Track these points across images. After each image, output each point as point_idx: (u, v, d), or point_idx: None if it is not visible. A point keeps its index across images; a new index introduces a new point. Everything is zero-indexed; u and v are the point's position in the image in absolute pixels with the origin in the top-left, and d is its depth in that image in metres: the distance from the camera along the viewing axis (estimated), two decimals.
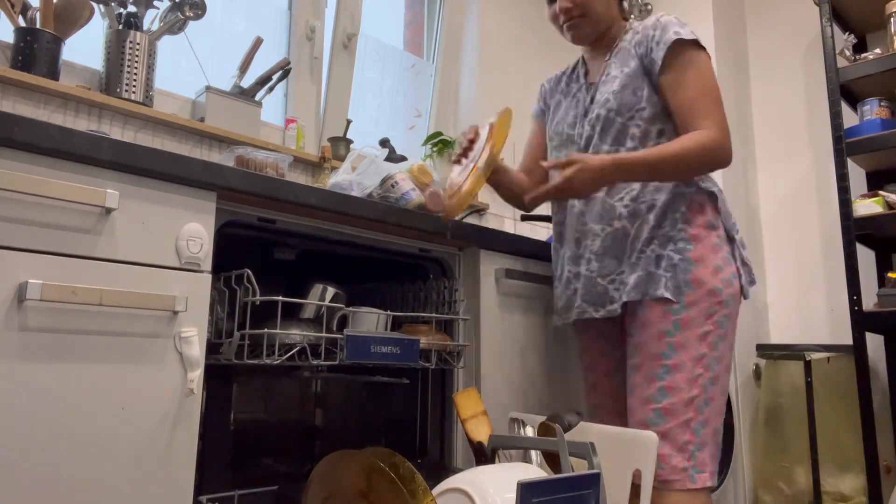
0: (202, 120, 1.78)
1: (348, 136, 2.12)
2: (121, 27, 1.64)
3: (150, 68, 1.67)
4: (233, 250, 1.24)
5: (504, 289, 1.54)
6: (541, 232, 2.49)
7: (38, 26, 1.50)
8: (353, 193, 1.50)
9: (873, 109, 2.33)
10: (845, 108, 2.35)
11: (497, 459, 1.20)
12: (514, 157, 2.26)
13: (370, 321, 1.35)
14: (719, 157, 1.24)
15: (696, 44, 1.28)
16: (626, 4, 1.44)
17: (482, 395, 1.37)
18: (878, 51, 2.34)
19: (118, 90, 1.62)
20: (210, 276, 1.08)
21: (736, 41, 2.92)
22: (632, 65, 1.33)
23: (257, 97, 1.90)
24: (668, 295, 1.24)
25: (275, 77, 1.92)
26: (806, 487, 2.27)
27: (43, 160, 0.92)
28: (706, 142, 1.22)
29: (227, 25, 2.06)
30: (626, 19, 1.43)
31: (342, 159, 1.97)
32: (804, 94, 2.82)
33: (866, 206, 2.22)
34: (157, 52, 1.69)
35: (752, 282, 1.34)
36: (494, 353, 1.49)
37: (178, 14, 1.72)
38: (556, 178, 1.24)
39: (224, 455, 1.50)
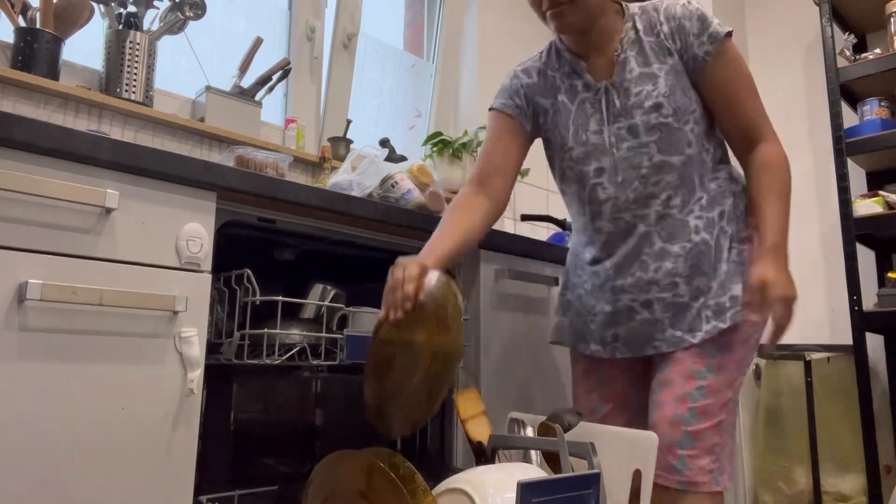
0: (202, 120, 1.78)
1: (348, 136, 2.12)
2: (121, 27, 1.64)
3: (150, 68, 1.67)
4: (233, 250, 1.24)
5: (504, 289, 1.54)
6: (541, 232, 2.49)
7: (38, 26, 1.50)
8: (353, 193, 1.50)
9: (873, 109, 2.33)
10: (845, 108, 2.34)
11: (497, 459, 1.20)
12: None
13: (370, 321, 1.34)
14: (788, 160, 1.22)
15: (729, 35, 1.21)
16: None
17: (482, 395, 1.37)
18: (878, 51, 2.34)
19: (118, 90, 1.62)
20: (210, 276, 1.08)
21: (736, 41, 2.92)
22: (670, 61, 1.19)
23: (257, 97, 1.90)
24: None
25: (275, 77, 1.92)
26: (806, 487, 2.27)
27: (43, 160, 0.92)
28: (786, 162, 1.20)
29: (227, 25, 2.06)
30: (618, 2, 1.26)
31: (342, 159, 1.97)
32: (804, 94, 2.82)
33: (866, 206, 2.22)
34: (157, 52, 1.69)
35: None
36: (494, 353, 1.49)
37: (178, 14, 1.72)
38: (768, 314, 1.11)
39: (224, 455, 1.50)
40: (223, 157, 1.41)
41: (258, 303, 1.14)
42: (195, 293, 1.05)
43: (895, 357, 2.38)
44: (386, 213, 1.33)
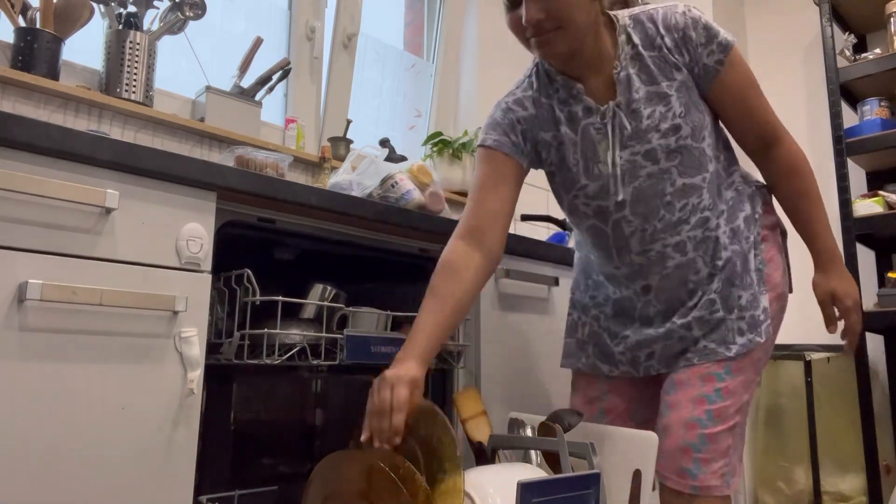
0: (202, 120, 1.78)
1: (348, 136, 2.12)
2: (121, 27, 1.64)
3: (150, 68, 1.67)
4: (233, 250, 1.24)
5: (504, 289, 1.54)
6: (541, 232, 2.49)
7: (38, 26, 1.50)
8: (353, 193, 1.49)
9: (873, 109, 2.34)
10: (845, 108, 2.35)
11: (497, 459, 1.20)
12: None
13: (370, 321, 1.35)
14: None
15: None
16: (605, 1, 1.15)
17: (482, 395, 1.37)
18: (878, 51, 2.34)
19: (118, 90, 1.62)
20: (210, 276, 1.08)
21: (736, 41, 2.92)
22: (679, 77, 1.12)
23: (257, 97, 1.90)
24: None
25: (275, 77, 1.92)
26: (806, 487, 2.27)
27: (43, 160, 0.92)
28: (805, 157, 1.20)
29: (227, 25, 2.06)
30: (606, 13, 1.15)
31: (342, 159, 1.97)
32: (804, 94, 2.82)
33: (866, 206, 2.22)
34: (157, 52, 1.69)
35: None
36: (494, 353, 1.49)
37: (178, 14, 1.72)
38: (847, 324, 1.21)
39: (224, 455, 1.50)
40: (223, 157, 1.41)
41: (258, 303, 1.14)
42: (195, 293, 1.05)
43: (895, 357, 2.38)
44: (386, 213, 1.33)
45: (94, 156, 0.95)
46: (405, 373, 1.01)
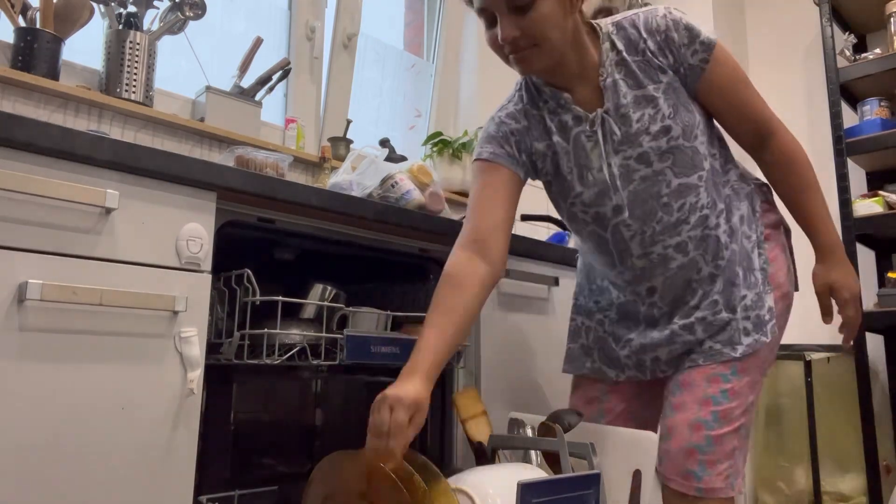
0: (202, 120, 1.78)
1: (348, 136, 2.12)
2: (121, 27, 1.64)
3: (150, 68, 1.67)
4: (233, 250, 1.24)
5: (504, 289, 1.54)
6: (541, 232, 2.49)
7: (38, 26, 1.50)
8: (353, 193, 1.49)
9: (873, 109, 2.34)
10: (845, 108, 2.35)
11: (497, 459, 1.20)
12: None
13: (370, 321, 1.35)
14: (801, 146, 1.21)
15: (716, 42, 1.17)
16: (584, 7, 1.14)
17: (482, 395, 1.37)
18: (878, 51, 2.34)
19: (118, 90, 1.62)
20: (210, 276, 1.08)
21: (736, 41, 2.92)
22: (665, 79, 1.13)
23: (257, 97, 1.90)
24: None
25: (275, 77, 1.92)
26: (806, 487, 2.27)
27: (43, 160, 0.92)
28: (804, 153, 1.20)
29: (227, 25, 2.06)
30: (589, 23, 1.16)
31: (342, 159, 1.97)
32: (804, 95, 2.82)
33: (866, 206, 2.22)
34: (157, 52, 1.69)
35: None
36: (494, 353, 1.49)
37: (178, 14, 1.72)
38: (843, 323, 1.21)
39: (224, 455, 1.50)
40: (223, 157, 1.41)
41: (258, 303, 1.14)
42: (195, 293, 1.05)
43: (895, 357, 2.38)
44: (386, 213, 1.33)
45: (94, 156, 0.95)
46: (405, 395, 0.97)
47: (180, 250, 1.04)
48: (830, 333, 2.60)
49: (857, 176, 2.50)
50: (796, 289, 1.25)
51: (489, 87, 2.58)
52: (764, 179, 1.27)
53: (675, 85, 1.13)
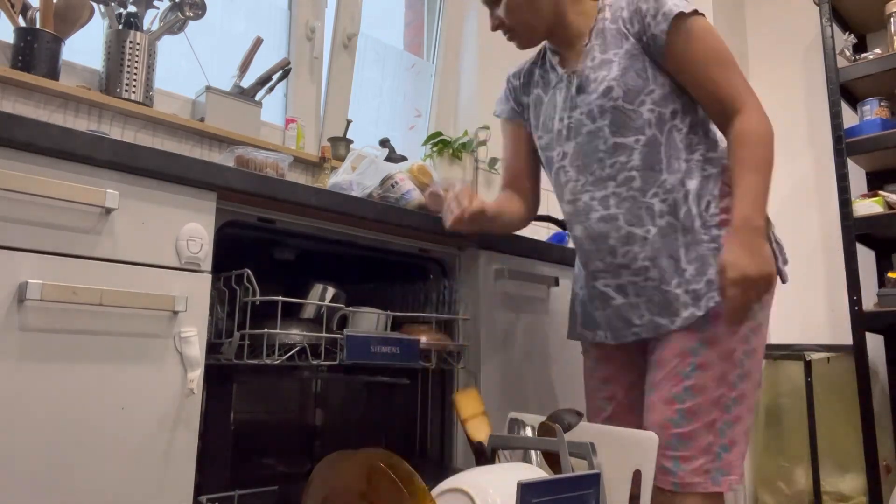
0: (202, 120, 1.78)
1: (348, 136, 2.12)
2: (121, 27, 1.64)
3: (150, 68, 1.67)
4: (233, 250, 1.24)
5: (504, 289, 1.54)
6: (541, 232, 2.49)
7: (38, 26, 1.50)
8: (353, 193, 1.49)
9: (873, 109, 2.33)
10: (845, 108, 2.35)
11: (497, 459, 1.20)
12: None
13: (370, 321, 1.35)
14: (770, 129, 1.16)
15: (694, 14, 1.18)
16: None
17: (482, 395, 1.37)
18: (878, 51, 2.34)
19: (118, 90, 1.62)
20: (210, 276, 1.08)
21: (736, 41, 2.92)
22: (626, 45, 1.21)
23: (257, 97, 1.90)
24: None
25: (275, 77, 1.92)
26: (806, 487, 2.27)
27: (43, 160, 0.92)
28: (768, 128, 1.15)
29: (227, 25, 2.06)
30: None
31: (342, 159, 1.97)
32: (804, 94, 2.82)
33: (866, 206, 2.22)
34: (157, 52, 1.69)
35: (785, 261, 1.25)
36: (494, 353, 1.49)
37: (178, 14, 1.72)
38: (727, 298, 1.11)
39: (224, 455, 1.50)
40: (223, 157, 1.41)
41: (258, 303, 1.14)
42: (195, 293, 1.05)
43: (895, 357, 2.38)
44: (386, 213, 1.33)
45: (94, 156, 0.96)
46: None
47: (180, 250, 1.04)
48: (830, 333, 2.61)
49: (857, 176, 2.50)
50: (783, 279, 1.23)
51: (489, 87, 2.58)
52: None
53: (634, 52, 1.21)
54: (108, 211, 0.97)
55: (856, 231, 2.20)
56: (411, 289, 1.60)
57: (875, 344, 2.37)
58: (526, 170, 1.43)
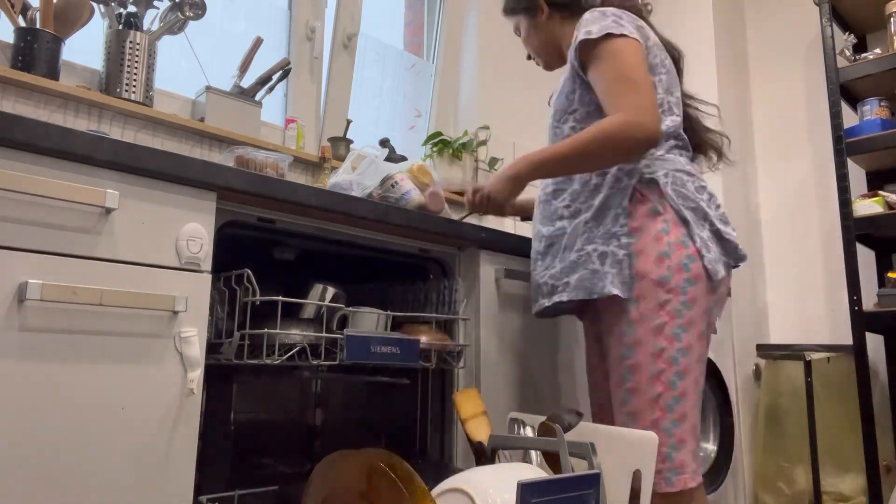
0: (202, 120, 1.78)
1: (348, 136, 2.12)
2: (121, 27, 1.64)
3: (150, 68, 1.67)
4: (233, 250, 1.24)
5: (504, 289, 1.54)
6: None
7: (38, 26, 1.50)
8: (353, 193, 1.50)
9: (873, 109, 2.34)
10: (845, 108, 2.35)
11: (497, 459, 1.20)
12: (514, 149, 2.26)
13: (370, 321, 1.35)
14: (628, 135, 1.16)
15: (606, 37, 1.21)
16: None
17: (482, 395, 1.37)
18: (878, 51, 2.34)
19: (118, 90, 1.62)
20: (210, 276, 1.08)
21: (736, 41, 2.92)
22: (568, 71, 1.33)
23: (257, 97, 1.90)
24: (616, 291, 1.19)
25: (275, 77, 1.92)
26: (806, 487, 2.27)
27: (43, 160, 0.92)
28: (607, 126, 1.18)
29: (227, 25, 2.06)
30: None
31: (342, 159, 1.97)
32: (804, 95, 2.82)
33: (866, 206, 2.23)
34: (157, 52, 1.69)
35: (730, 259, 1.26)
36: (494, 353, 1.49)
37: (178, 14, 1.72)
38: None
39: (224, 455, 1.50)
40: (223, 157, 1.41)
41: (258, 303, 1.14)
42: (195, 293, 1.05)
43: (895, 357, 2.38)
44: (386, 213, 1.33)
45: (94, 156, 0.95)
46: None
47: (180, 250, 1.04)
48: (830, 333, 2.61)
49: (858, 176, 2.50)
50: (709, 277, 1.21)
51: (489, 87, 2.58)
52: (659, 173, 1.25)
53: (572, 75, 1.31)
54: (108, 211, 0.97)
55: (856, 231, 2.21)
56: (411, 289, 1.60)
57: (875, 344, 2.37)
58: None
